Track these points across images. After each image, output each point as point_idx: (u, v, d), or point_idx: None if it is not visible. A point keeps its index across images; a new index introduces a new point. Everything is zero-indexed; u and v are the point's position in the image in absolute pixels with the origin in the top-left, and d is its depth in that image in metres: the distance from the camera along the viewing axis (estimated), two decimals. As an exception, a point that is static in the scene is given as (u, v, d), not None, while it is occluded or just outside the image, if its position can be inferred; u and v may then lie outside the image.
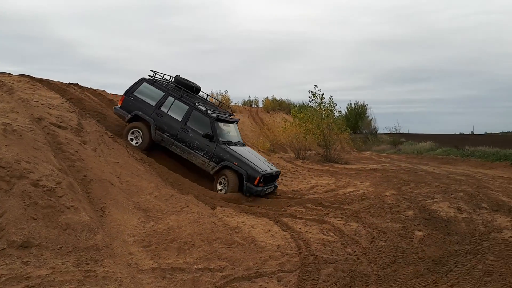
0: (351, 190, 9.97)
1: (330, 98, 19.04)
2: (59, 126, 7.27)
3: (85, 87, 12.15)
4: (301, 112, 20.37)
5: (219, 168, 8.57)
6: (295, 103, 34.02)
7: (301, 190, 10.14)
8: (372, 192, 9.61)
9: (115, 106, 9.95)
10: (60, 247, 4.45)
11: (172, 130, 8.97)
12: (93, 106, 10.31)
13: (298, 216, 7.31)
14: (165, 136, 9.00)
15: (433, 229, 6.52)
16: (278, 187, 9.68)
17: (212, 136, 8.68)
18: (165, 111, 9.09)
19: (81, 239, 4.74)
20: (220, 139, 8.82)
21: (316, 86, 18.51)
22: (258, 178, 8.24)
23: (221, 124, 9.13)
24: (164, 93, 9.24)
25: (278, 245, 5.67)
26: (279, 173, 9.31)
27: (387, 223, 6.95)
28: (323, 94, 18.66)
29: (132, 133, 9.22)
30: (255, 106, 33.10)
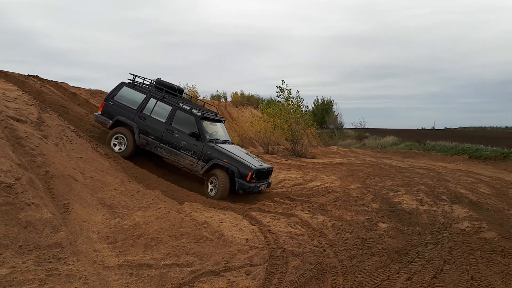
0: (318, 183, 10.14)
1: (297, 94, 19.25)
2: (17, 120, 6.95)
3: (45, 79, 11.67)
4: (270, 107, 20.50)
5: (209, 168, 8.21)
6: (264, 98, 34.18)
7: (269, 184, 10.21)
8: (338, 185, 9.82)
9: (95, 113, 9.43)
10: (21, 246, 4.28)
11: (156, 132, 8.62)
12: (54, 99, 9.92)
13: (266, 210, 7.36)
14: (149, 139, 8.65)
15: (396, 221, 6.75)
16: (271, 184, 9.34)
17: (199, 135, 8.35)
18: (148, 113, 8.73)
19: (43, 237, 4.57)
20: (208, 137, 8.51)
21: (283, 82, 18.69)
22: (250, 173, 7.92)
23: (207, 123, 8.85)
24: (145, 96, 8.89)
25: (247, 239, 5.69)
26: (272, 170, 9.06)
27: (353, 215, 7.13)
28: (290, 90, 18.84)
29: (116, 138, 8.82)
30: (224, 101, 32.98)
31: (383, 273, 4.51)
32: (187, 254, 5.01)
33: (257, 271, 4.58)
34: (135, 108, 8.80)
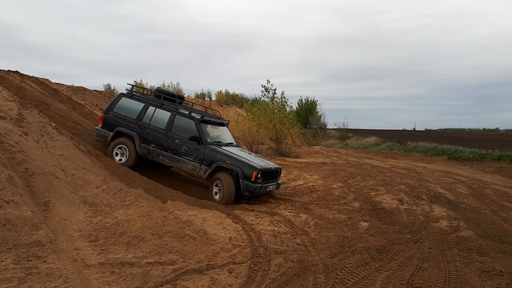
0: (301, 183, 10.23)
1: (282, 94, 19.34)
2: (-4, 116, 6.81)
3: (26, 75, 11.43)
4: (254, 106, 20.53)
5: (212, 171, 7.91)
6: (248, 97, 34.24)
7: (253, 183, 10.23)
8: (320, 184, 9.92)
9: (96, 127, 9.25)
10: (-1, 244, 4.21)
11: (157, 140, 8.44)
12: (35, 95, 9.73)
13: (249, 208, 7.39)
14: (150, 147, 8.47)
15: (377, 220, 6.86)
16: (280, 185, 8.94)
17: (200, 138, 8.09)
18: (148, 122, 8.58)
19: (22, 235, 4.50)
20: (209, 140, 8.28)
21: (268, 81, 18.72)
22: (255, 173, 7.58)
23: (208, 126, 8.66)
24: (144, 104, 8.75)
25: (230, 237, 5.71)
26: (280, 170, 8.65)
27: (335, 214, 7.22)
28: (275, 89, 18.91)
29: (119, 149, 8.66)
30: (208, 99, 32.89)
31: (363, 271, 4.59)
32: (169, 252, 5.00)
33: (240, 269, 4.61)
34: (135, 118, 8.66)
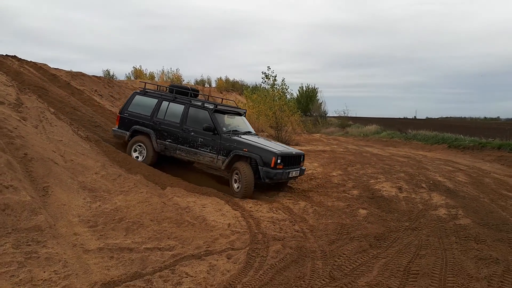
0: (301, 170, 10.22)
1: (282, 81, 19.20)
2: (-5, 101, 6.78)
3: (24, 60, 11.35)
4: (254, 93, 20.44)
5: (230, 161, 7.62)
6: (249, 84, 34.05)
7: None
8: (320, 172, 9.93)
9: (113, 128, 9.14)
10: (-2, 228, 4.22)
11: (172, 134, 8.28)
12: (33, 80, 9.67)
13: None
14: (167, 143, 8.30)
15: (376, 207, 6.88)
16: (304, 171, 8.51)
17: (215, 128, 7.85)
18: (162, 117, 8.46)
19: (22, 220, 4.52)
20: (224, 129, 8.00)
21: (269, 68, 18.57)
22: (274, 159, 7.24)
23: (224, 116, 8.42)
24: (157, 100, 8.64)
25: (229, 223, 5.73)
26: (303, 155, 8.23)
27: (333, 201, 7.24)
28: (275, 76, 18.77)
29: (135, 149, 8.56)
30: (208, 86, 32.71)
31: (361, 258, 4.62)
32: (168, 238, 5.02)
33: (238, 255, 4.63)
34: (149, 115, 8.57)
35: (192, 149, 8.06)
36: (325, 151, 15.26)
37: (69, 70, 13.34)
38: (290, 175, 7.63)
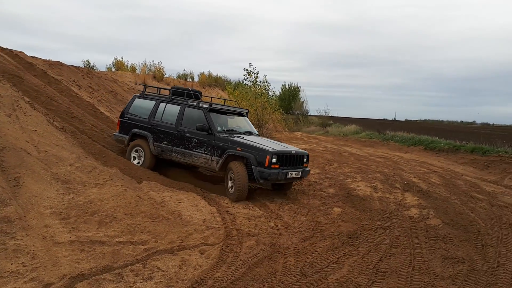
0: (279, 168, 10.27)
1: (264, 78, 19.21)
2: (-34, 88, 6.58)
3: (-1, 46, 11.02)
4: (236, 89, 20.39)
5: (224, 161, 7.21)
6: (232, 80, 33.97)
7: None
8: (298, 170, 9.99)
9: (113, 133, 8.97)
10: (-36, 219, 4.12)
11: (168, 136, 7.99)
12: (8, 68, 9.40)
13: (225, 192, 7.40)
14: (163, 145, 8.02)
15: (350, 206, 7.00)
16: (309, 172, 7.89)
17: (209, 128, 7.49)
18: (159, 119, 8.21)
19: (-11, 211, 4.41)
20: (219, 128, 7.63)
21: (251, 64, 18.54)
22: (268, 157, 6.78)
23: (219, 116, 8.04)
24: (155, 102, 8.43)
25: (204, 219, 5.73)
26: (306, 155, 7.62)
27: (309, 199, 7.32)
28: (257, 73, 18.76)
29: (135, 151, 8.33)
30: (191, 80, 32.48)
31: (333, 255, 4.70)
32: (142, 232, 4.99)
33: (211, 250, 4.65)
34: (147, 117, 8.36)
35: (187, 150, 7.77)
36: (305, 149, 15.38)
37: (48, 59, 13.03)
38: (288, 176, 7.11)
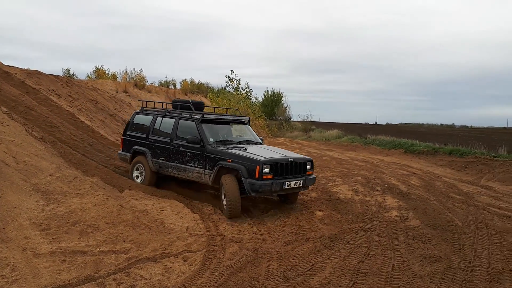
0: (262, 173, 10.33)
1: (246, 84, 19.42)
2: None
3: (-25, 56, 10.84)
4: (219, 96, 20.47)
5: (216, 174, 6.75)
6: (214, 87, 33.99)
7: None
8: (281, 175, 10.07)
9: (118, 151, 8.87)
10: None
11: (164, 152, 7.67)
12: (-15, 78, 9.25)
13: (209, 199, 7.42)
14: (160, 161, 7.71)
15: (332, 209, 7.09)
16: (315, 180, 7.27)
17: (201, 140, 7.06)
18: (156, 134, 7.95)
19: (-33, 223, 4.34)
20: (211, 139, 7.16)
21: (232, 71, 18.81)
22: (258, 168, 6.23)
23: (213, 126, 7.61)
24: (152, 117, 8.19)
25: (187, 226, 5.74)
26: (309, 161, 7.11)
27: (292, 204, 7.39)
28: (239, 80, 18.96)
29: (137, 169, 8.15)
30: (173, 88, 32.39)
31: (315, 258, 4.76)
32: (124, 241, 4.98)
33: (195, 257, 4.66)
34: (146, 133, 8.16)
35: (182, 165, 7.37)
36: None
37: (26, 68, 12.84)
38: (286, 187, 6.54)
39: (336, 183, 9.29)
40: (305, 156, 7.30)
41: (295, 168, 6.76)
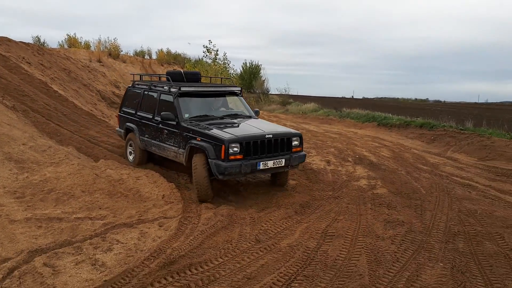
0: (238, 144, 10.47)
1: (224, 55, 19.25)
2: None
3: None
4: (196, 67, 20.24)
5: (188, 154, 6.16)
6: (191, 58, 33.44)
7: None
8: (257, 147, 10.24)
9: (116, 128, 8.51)
10: None
11: (148, 128, 7.23)
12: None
13: (185, 170, 7.52)
14: (145, 139, 7.29)
15: (304, 179, 7.34)
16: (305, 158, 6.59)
17: (176, 116, 6.45)
18: (143, 110, 7.45)
19: None
20: (186, 115, 6.52)
21: (210, 42, 18.57)
22: (223, 148, 5.52)
23: (192, 100, 6.91)
24: (140, 91, 7.70)
25: (163, 195, 5.86)
26: (296, 136, 6.32)
27: (267, 174, 7.59)
28: (217, 50, 18.75)
29: (130, 146, 7.79)
30: (148, 58, 31.70)
31: (286, 223, 5.00)
32: (100, 208, 5.08)
33: (170, 223, 4.82)
34: (135, 109, 7.74)
35: (161, 143, 6.91)
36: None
37: (-8, 34, 12.33)
38: (260, 167, 5.80)
39: (310, 154, 9.54)
40: (290, 130, 6.50)
41: (275, 145, 5.99)
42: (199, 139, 5.94)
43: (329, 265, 3.84)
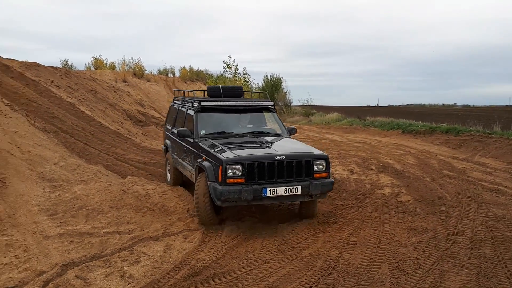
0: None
1: (244, 70, 19.52)
2: None
3: (-25, 51, 11.02)
4: (217, 82, 20.61)
5: (196, 175, 5.62)
6: (213, 74, 34.02)
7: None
8: (279, 158, 10.30)
9: (161, 145, 8.53)
10: (-45, 218, 4.32)
11: (176, 145, 6.99)
12: (-14, 72, 9.47)
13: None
14: (175, 156, 7.07)
15: (327, 189, 7.35)
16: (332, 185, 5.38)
17: (192, 132, 6.04)
18: (177, 126, 7.10)
19: (-21, 209, 4.61)
20: (202, 132, 6.01)
21: (230, 57, 18.87)
22: (220, 169, 4.84)
23: (214, 115, 6.46)
24: (176, 107, 7.52)
25: (188, 208, 6.01)
26: (320, 158, 5.26)
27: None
28: (237, 65, 19.06)
29: (168, 164, 7.60)
30: (172, 75, 32.44)
31: (308, 233, 5.04)
32: (127, 223, 5.26)
33: (194, 235, 4.95)
34: (172, 126, 7.59)
35: (182, 161, 6.55)
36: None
37: (24, 60, 13.01)
38: (267, 194, 4.89)
39: (333, 164, 9.53)
40: (311, 151, 5.45)
41: (289, 169, 5.04)
42: (204, 158, 5.37)
43: (351, 273, 3.86)
